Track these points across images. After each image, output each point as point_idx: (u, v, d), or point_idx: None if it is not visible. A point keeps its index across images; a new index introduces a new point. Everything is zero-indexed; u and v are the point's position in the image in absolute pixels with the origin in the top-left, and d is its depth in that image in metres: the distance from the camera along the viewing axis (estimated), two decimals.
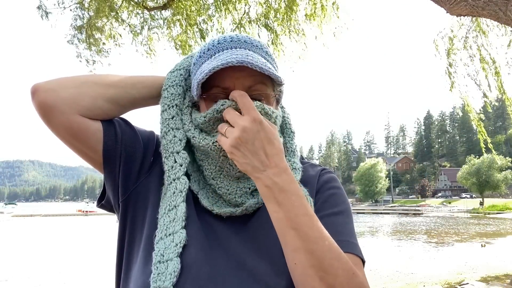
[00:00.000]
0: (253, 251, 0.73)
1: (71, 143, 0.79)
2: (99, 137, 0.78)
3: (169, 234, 0.72)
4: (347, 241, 0.74)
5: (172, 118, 0.80)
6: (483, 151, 7.12)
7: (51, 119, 0.76)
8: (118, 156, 0.80)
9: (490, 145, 6.96)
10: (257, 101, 0.75)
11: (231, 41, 0.76)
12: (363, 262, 0.74)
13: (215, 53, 0.76)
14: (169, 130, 0.79)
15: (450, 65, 6.55)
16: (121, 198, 0.81)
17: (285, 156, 0.84)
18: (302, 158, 0.92)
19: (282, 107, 0.90)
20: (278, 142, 0.70)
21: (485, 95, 6.72)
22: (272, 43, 6.83)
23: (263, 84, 0.75)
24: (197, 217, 0.77)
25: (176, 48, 7.07)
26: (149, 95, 0.84)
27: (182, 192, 0.75)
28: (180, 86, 0.82)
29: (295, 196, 0.67)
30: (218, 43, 0.77)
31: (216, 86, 0.74)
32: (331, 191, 0.83)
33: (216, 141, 0.74)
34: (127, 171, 0.81)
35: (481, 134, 6.78)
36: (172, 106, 0.80)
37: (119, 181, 0.81)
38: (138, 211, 0.80)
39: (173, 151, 0.78)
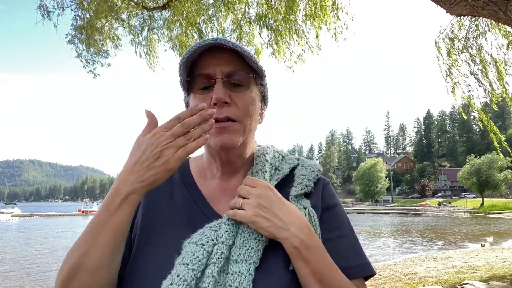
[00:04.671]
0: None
1: None
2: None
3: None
4: (357, 266, 0.80)
5: None
6: (498, 150, 6.99)
7: None
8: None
9: (504, 144, 6.84)
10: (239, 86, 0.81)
11: (212, 38, 0.83)
12: (373, 274, 0.81)
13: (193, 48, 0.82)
14: None
15: (452, 65, 6.53)
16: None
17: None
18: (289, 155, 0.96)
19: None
20: (289, 202, 0.78)
21: (486, 95, 6.70)
22: (272, 44, 6.82)
23: (242, 71, 0.81)
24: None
25: (176, 48, 7.06)
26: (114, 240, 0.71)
27: None
28: None
29: (318, 251, 0.73)
30: (201, 41, 0.83)
31: (199, 74, 0.80)
32: (336, 209, 0.87)
33: None
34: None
35: (493, 133, 6.69)
36: None
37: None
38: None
39: None
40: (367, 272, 0.80)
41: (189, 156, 0.95)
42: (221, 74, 0.79)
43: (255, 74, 0.84)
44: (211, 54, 0.79)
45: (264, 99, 0.90)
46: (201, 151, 0.92)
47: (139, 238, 0.79)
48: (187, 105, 0.88)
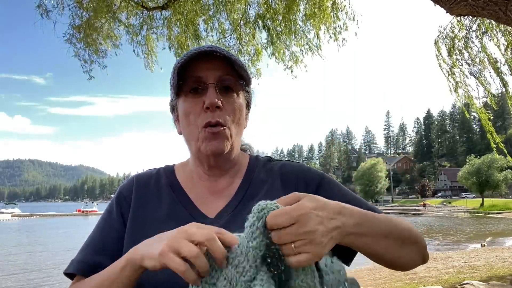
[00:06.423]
0: None
1: None
2: None
3: None
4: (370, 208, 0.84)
5: None
6: (495, 151, 6.99)
7: None
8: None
9: (501, 145, 6.83)
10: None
11: (207, 45, 0.86)
12: None
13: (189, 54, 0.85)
14: None
15: (453, 65, 6.52)
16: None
17: None
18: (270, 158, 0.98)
19: None
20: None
21: (486, 95, 6.70)
22: (272, 44, 6.82)
23: (231, 76, 0.84)
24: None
25: (174, 48, 7.05)
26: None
27: None
28: None
29: (365, 219, 0.71)
30: (193, 49, 0.86)
31: (190, 77, 0.83)
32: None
33: None
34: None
35: (490, 134, 6.70)
36: None
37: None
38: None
39: None
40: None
41: (174, 163, 0.98)
42: (213, 78, 0.82)
43: (243, 80, 0.87)
44: (203, 59, 0.81)
45: (248, 105, 0.93)
46: (186, 156, 0.95)
47: (130, 246, 0.78)
48: (173, 108, 0.91)
